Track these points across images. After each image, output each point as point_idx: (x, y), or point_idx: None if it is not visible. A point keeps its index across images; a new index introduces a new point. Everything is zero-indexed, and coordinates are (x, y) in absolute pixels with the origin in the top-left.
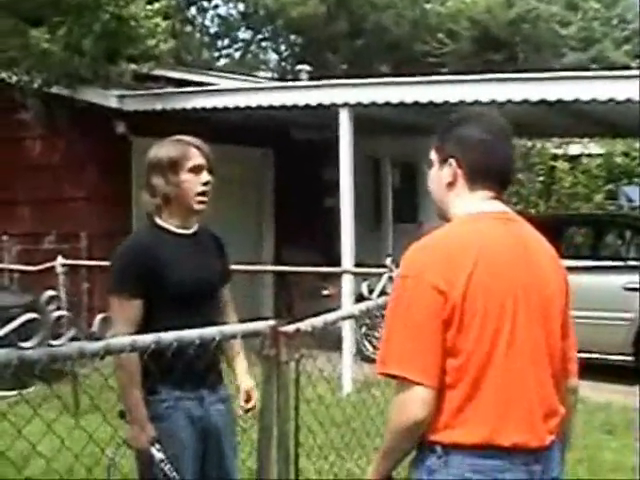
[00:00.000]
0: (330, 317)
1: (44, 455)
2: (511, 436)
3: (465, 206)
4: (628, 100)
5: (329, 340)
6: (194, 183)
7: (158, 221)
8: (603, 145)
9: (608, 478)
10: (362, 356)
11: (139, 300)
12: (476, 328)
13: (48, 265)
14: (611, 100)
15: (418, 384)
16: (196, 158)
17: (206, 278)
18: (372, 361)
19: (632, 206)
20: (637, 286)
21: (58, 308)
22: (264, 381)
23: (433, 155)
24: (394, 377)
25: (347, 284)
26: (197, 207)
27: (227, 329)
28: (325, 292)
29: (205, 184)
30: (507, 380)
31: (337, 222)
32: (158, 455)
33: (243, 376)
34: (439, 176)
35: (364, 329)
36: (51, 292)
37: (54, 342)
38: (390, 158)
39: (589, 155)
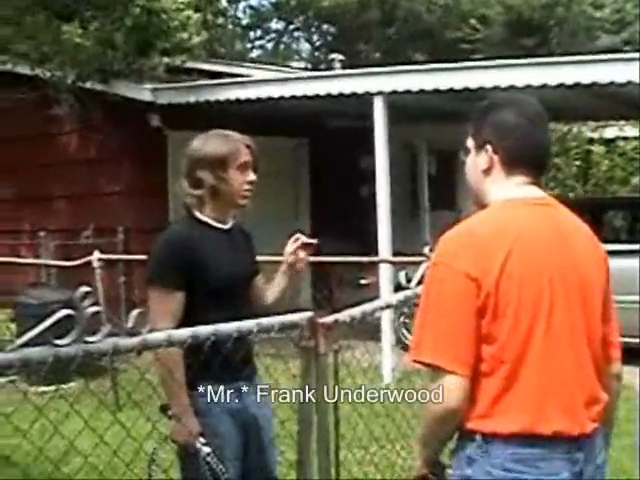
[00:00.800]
0: (368, 307)
1: (82, 451)
2: (552, 424)
3: (501, 192)
4: None
5: (368, 330)
6: (240, 181)
7: (197, 214)
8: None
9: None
10: (402, 345)
11: (180, 292)
12: (511, 316)
13: (85, 260)
14: None
15: (451, 372)
16: (245, 156)
17: (240, 273)
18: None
19: None
20: None
21: (94, 304)
22: (303, 373)
23: (469, 142)
24: (427, 365)
25: (385, 273)
26: (241, 202)
27: (264, 321)
28: (363, 281)
29: (250, 183)
30: (545, 367)
31: (374, 211)
32: (205, 449)
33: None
34: (475, 163)
35: (403, 318)
36: (86, 288)
37: (89, 338)
38: (426, 146)
39: (625, 138)
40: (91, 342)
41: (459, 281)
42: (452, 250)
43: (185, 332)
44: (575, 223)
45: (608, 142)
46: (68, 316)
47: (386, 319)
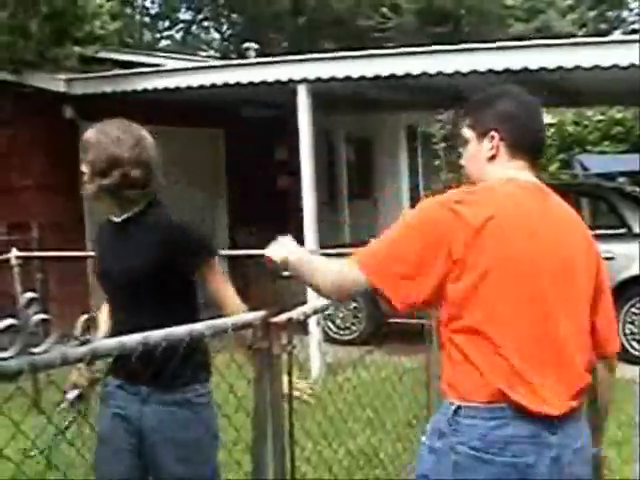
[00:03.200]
0: (319, 303)
1: (11, 459)
2: (528, 402)
3: (501, 173)
4: (577, 67)
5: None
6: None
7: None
8: (554, 115)
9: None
10: (325, 338)
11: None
12: (492, 292)
13: (2, 258)
14: (560, 68)
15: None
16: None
17: (129, 266)
18: (335, 342)
19: (587, 174)
20: (605, 255)
21: (39, 311)
22: (257, 377)
23: (468, 132)
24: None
25: None
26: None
27: (217, 323)
28: (285, 273)
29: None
30: (523, 342)
31: (292, 202)
32: (69, 395)
33: None
34: (478, 151)
35: (328, 310)
36: (30, 294)
37: (35, 349)
38: (344, 134)
39: None
40: (38, 353)
41: (445, 214)
42: (441, 199)
43: (136, 338)
44: (567, 211)
45: None
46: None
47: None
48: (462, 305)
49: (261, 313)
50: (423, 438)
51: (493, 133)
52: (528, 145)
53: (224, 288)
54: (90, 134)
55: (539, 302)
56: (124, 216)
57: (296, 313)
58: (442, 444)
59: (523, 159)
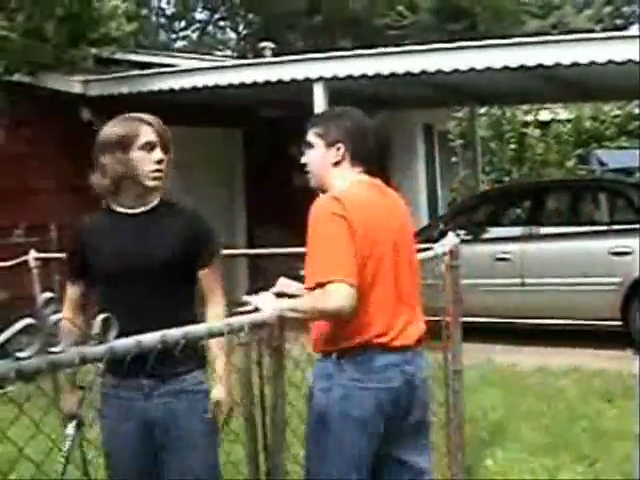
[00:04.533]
0: None
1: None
2: (391, 338)
3: (350, 177)
4: (592, 63)
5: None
6: (145, 161)
7: (108, 200)
8: (572, 110)
9: (613, 446)
10: None
11: (77, 282)
12: (359, 261)
13: (21, 259)
14: (575, 64)
15: (346, 283)
16: (147, 135)
17: (146, 257)
18: None
19: (604, 170)
20: (623, 250)
21: (57, 311)
22: (274, 375)
23: (315, 139)
24: (321, 285)
25: None
26: (150, 184)
27: (234, 321)
28: (302, 272)
29: (158, 162)
30: (383, 296)
31: (309, 200)
32: (68, 429)
33: (216, 383)
34: (324, 156)
35: None
36: (49, 294)
37: (53, 349)
38: None
39: (559, 121)
40: (56, 353)
41: (339, 220)
42: (330, 204)
43: (155, 336)
44: (395, 196)
45: (543, 125)
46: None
47: None
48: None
49: (278, 312)
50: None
51: (339, 145)
52: (366, 155)
53: (218, 288)
54: (120, 128)
55: (391, 267)
56: (143, 208)
57: None
58: (330, 384)
59: (362, 165)
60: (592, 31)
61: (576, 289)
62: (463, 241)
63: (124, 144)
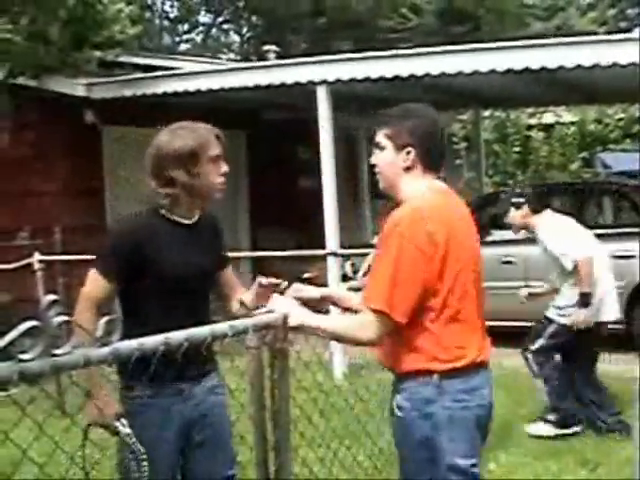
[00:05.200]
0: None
1: (35, 461)
2: (481, 355)
3: (423, 185)
4: (595, 65)
5: None
6: (215, 173)
7: (163, 210)
8: (576, 113)
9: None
10: None
11: (110, 283)
12: (451, 276)
13: (25, 262)
14: (579, 66)
15: (394, 321)
16: (216, 148)
17: (195, 268)
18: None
19: (609, 173)
20: (626, 253)
21: (60, 313)
22: (279, 377)
23: (385, 141)
24: (379, 311)
25: (333, 266)
26: (217, 196)
27: (238, 323)
28: (306, 275)
29: (224, 174)
30: (470, 315)
31: (313, 203)
32: (124, 430)
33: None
34: (394, 160)
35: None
36: (52, 296)
37: (56, 351)
38: (365, 134)
39: (562, 124)
40: (59, 355)
41: (415, 254)
42: (409, 226)
43: (158, 339)
44: (463, 204)
45: (547, 128)
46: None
47: (334, 310)
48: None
49: (282, 314)
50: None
51: (409, 148)
52: (438, 158)
53: (237, 282)
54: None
55: (472, 285)
56: (195, 218)
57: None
58: (434, 409)
59: (435, 170)
60: (596, 34)
61: None
62: None
63: (195, 157)
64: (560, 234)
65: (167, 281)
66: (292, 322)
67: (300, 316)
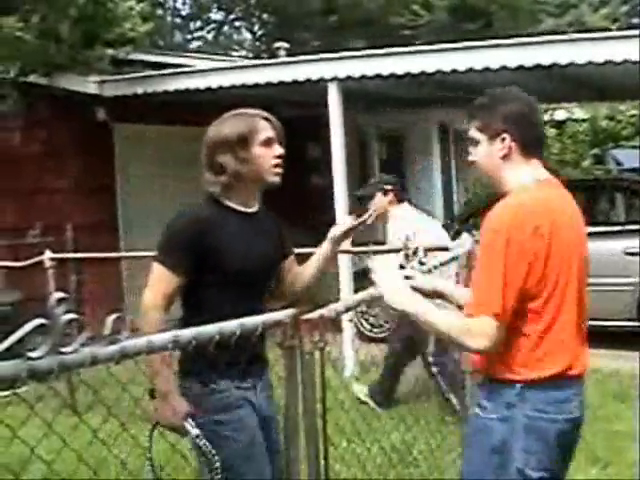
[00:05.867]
0: (351, 301)
1: (43, 458)
2: (574, 368)
3: (526, 176)
4: (608, 62)
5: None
6: (267, 157)
7: (221, 199)
8: (588, 109)
9: (627, 449)
10: (359, 336)
11: (179, 276)
12: (552, 279)
13: (36, 260)
14: (590, 63)
15: (498, 321)
16: (266, 131)
17: (262, 258)
18: (370, 340)
19: (621, 169)
20: (638, 250)
21: (68, 311)
22: (287, 375)
23: (477, 134)
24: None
25: (345, 263)
26: (274, 179)
27: (247, 322)
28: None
29: (278, 157)
30: (567, 322)
31: (324, 201)
32: (194, 431)
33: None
34: (491, 151)
35: (360, 307)
36: (60, 294)
37: (64, 349)
38: (376, 131)
39: (574, 120)
40: (67, 353)
41: (515, 250)
42: (509, 223)
43: (166, 336)
44: (573, 201)
45: (559, 124)
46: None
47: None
48: None
49: (292, 311)
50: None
51: (504, 135)
52: (538, 143)
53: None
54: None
55: (573, 291)
56: (255, 207)
57: (327, 310)
58: (512, 413)
59: (537, 157)
60: (608, 30)
61: (591, 289)
62: (477, 241)
63: (244, 141)
64: (403, 224)
65: (233, 272)
66: (395, 304)
67: (405, 302)
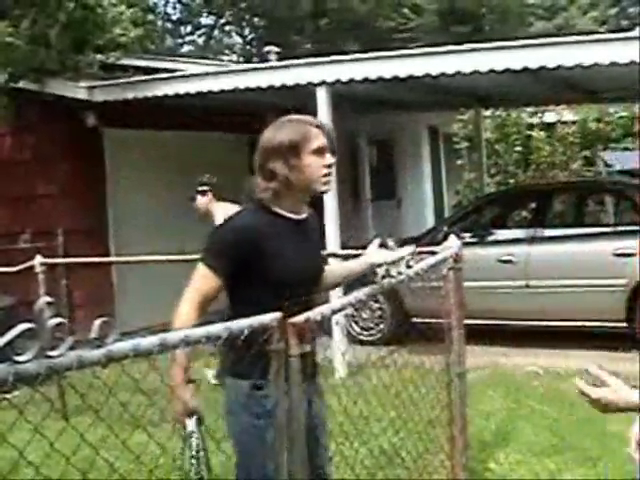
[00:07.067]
0: (337, 304)
1: (32, 462)
2: None
3: None
4: (595, 65)
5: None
6: (317, 166)
7: (270, 205)
8: (577, 112)
9: (616, 448)
10: (350, 338)
11: (221, 279)
12: None
13: (27, 265)
14: (578, 65)
15: None
16: (319, 139)
17: (311, 267)
18: (360, 343)
19: (610, 171)
20: (628, 252)
21: (56, 315)
22: (274, 377)
23: None
24: None
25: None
26: (322, 188)
27: (233, 325)
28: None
29: (329, 166)
30: None
31: (314, 203)
32: (190, 427)
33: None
34: None
35: (350, 311)
36: (47, 298)
37: (51, 353)
38: (366, 135)
39: (564, 122)
40: (54, 356)
41: None
42: None
43: (153, 340)
44: None
45: (548, 127)
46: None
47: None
48: None
49: (278, 314)
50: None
51: None
52: None
53: None
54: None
55: None
56: (304, 214)
57: (313, 314)
58: None
59: None
60: (596, 32)
61: (581, 291)
62: (468, 244)
63: (297, 149)
64: None
65: (280, 279)
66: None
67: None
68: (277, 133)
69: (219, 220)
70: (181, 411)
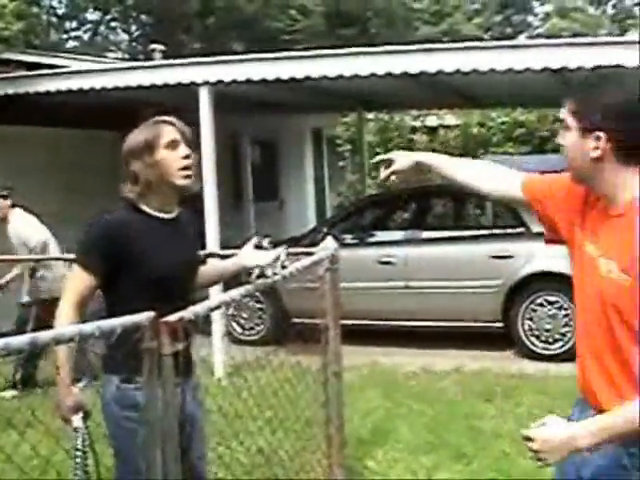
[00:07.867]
0: (212, 303)
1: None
2: None
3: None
4: (475, 71)
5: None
6: (172, 159)
7: (139, 204)
8: (460, 116)
9: (490, 445)
10: (231, 338)
11: (95, 278)
12: None
13: None
14: (459, 72)
15: None
16: (169, 134)
17: (186, 264)
18: (241, 343)
19: None
20: (503, 254)
21: None
22: (147, 376)
23: (569, 118)
24: None
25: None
26: (181, 182)
27: (105, 324)
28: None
29: (185, 157)
30: None
31: (195, 203)
32: (75, 424)
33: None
34: (580, 147)
35: (231, 310)
36: None
37: None
38: (249, 136)
39: (446, 127)
40: None
41: None
42: None
43: (23, 339)
44: None
45: (431, 131)
46: None
47: (217, 312)
48: None
49: (151, 313)
50: None
51: (599, 134)
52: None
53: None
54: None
55: None
56: (174, 213)
57: (187, 313)
58: None
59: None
60: (481, 39)
61: (459, 292)
62: (349, 245)
63: (151, 147)
64: (25, 225)
65: (149, 277)
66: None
67: (565, 441)
68: (134, 136)
69: (14, 227)
70: (67, 407)
